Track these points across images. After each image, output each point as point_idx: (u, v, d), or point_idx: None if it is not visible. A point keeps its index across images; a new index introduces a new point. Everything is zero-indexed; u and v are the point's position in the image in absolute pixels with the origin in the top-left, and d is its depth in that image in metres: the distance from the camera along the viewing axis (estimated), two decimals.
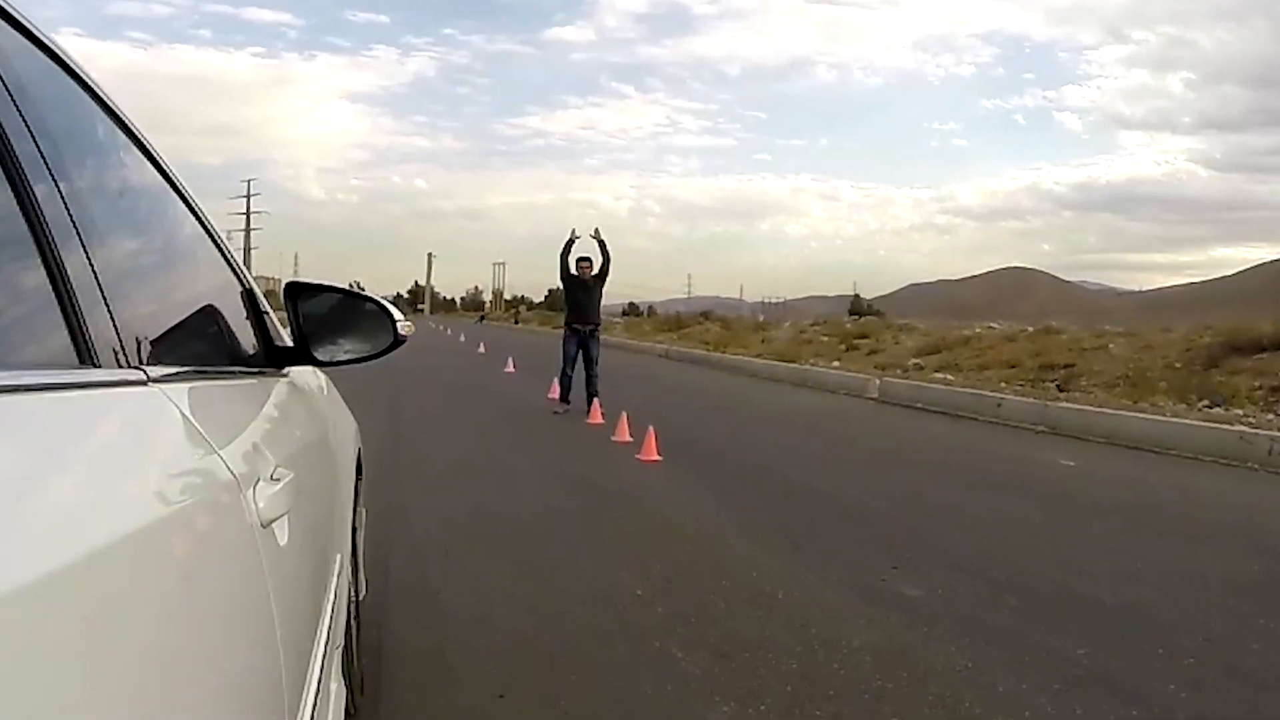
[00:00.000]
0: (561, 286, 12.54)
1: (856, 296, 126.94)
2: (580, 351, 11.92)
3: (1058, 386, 14.55)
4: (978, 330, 23.20)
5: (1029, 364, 16.68)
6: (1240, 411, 11.49)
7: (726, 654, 3.51)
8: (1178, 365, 14.19)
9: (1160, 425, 10.61)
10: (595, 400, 11.42)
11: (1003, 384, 15.23)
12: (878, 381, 16.65)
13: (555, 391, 12.35)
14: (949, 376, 16.91)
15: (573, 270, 12.08)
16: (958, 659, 3.52)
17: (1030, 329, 21.31)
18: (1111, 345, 16.74)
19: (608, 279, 12.32)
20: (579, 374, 11.88)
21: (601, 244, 12.25)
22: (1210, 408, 11.94)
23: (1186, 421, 10.76)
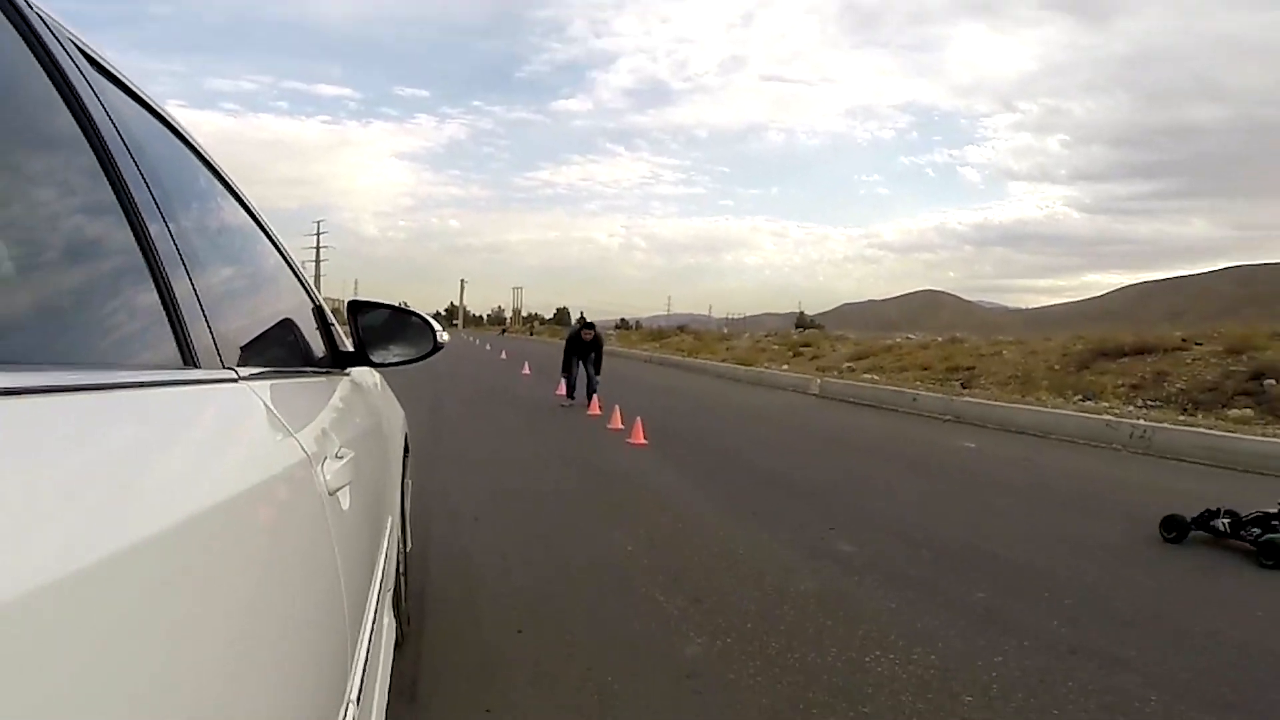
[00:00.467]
0: (566, 349, 12.40)
1: (801, 313, 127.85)
2: (581, 362, 11.99)
3: (961, 384, 14.80)
4: (898, 340, 23.51)
5: (938, 367, 17.02)
6: (1107, 404, 11.69)
7: (699, 598, 3.51)
8: (1056, 368, 14.44)
9: (1043, 415, 10.74)
10: (595, 396, 11.45)
11: (918, 383, 15.47)
12: (818, 381, 16.83)
13: (563, 389, 12.38)
14: (875, 377, 17.07)
15: (574, 330, 12.29)
16: (884, 602, 3.54)
17: (939, 339, 21.77)
18: (1004, 352, 17.04)
19: (602, 345, 12.37)
20: (581, 377, 11.95)
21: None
22: (1083, 401, 12.15)
23: (1064, 412, 10.93)
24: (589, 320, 12.37)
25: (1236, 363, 11.80)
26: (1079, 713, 2.54)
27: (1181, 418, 10.27)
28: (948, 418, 11.86)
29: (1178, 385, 11.94)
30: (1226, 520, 4.86)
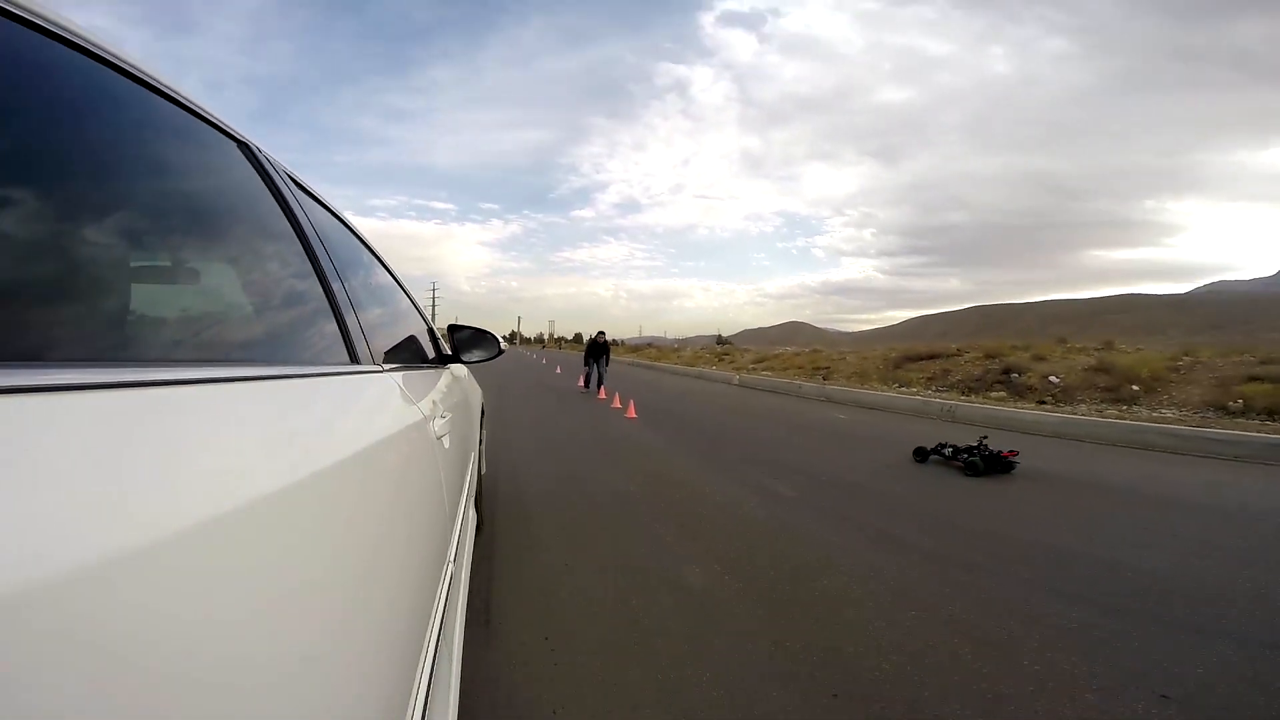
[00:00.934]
0: (586, 348, 11.83)
1: (719, 335, 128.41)
2: (595, 363, 11.47)
3: (823, 378, 14.62)
4: (780, 351, 23.67)
5: (807, 367, 16.79)
6: (916, 390, 11.67)
7: (684, 525, 3.20)
8: (881, 367, 14.23)
9: (886, 397, 10.50)
10: (602, 386, 11.11)
11: (798, 378, 15.18)
12: (738, 376, 16.16)
13: (582, 382, 12.12)
14: (769, 373, 17.18)
15: (593, 337, 11.66)
16: (806, 523, 3.23)
17: (805, 350, 21.86)
18: (848, 358, 16.97)
19: (609, 351, 11.69)
20: (594, 377, 11.73)
21: (607, 349, 11.68)
22: (900, 388, 12.04)
23: (892, 394, 10.80)
24: (602, 330, 11.69)
25: (992, 364, 11.65)
26: (917, 578, 2.47)
27: (962, 398, 10.18)
28: (822, 399, 11.35)
29: (956, 378, 11.67)
30: (949, 449, 5.06)
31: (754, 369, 18.84)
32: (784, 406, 10.07)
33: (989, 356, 12.22)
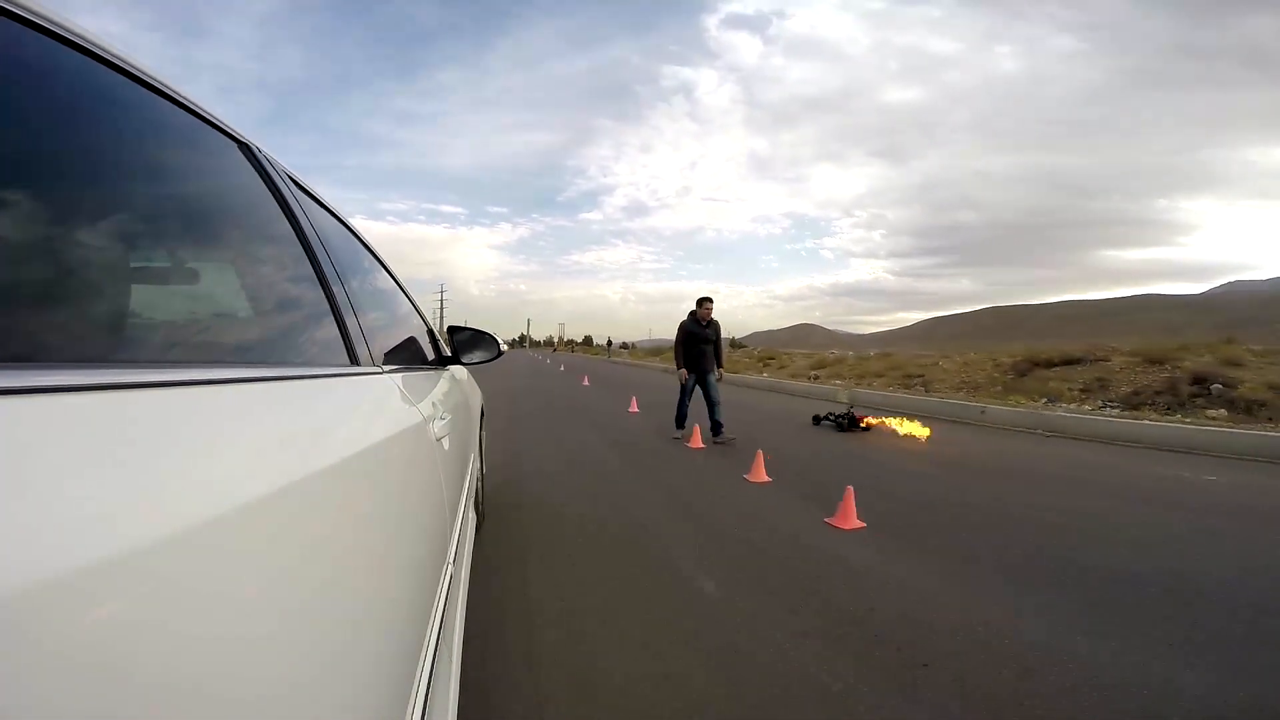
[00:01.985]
0: (679, 343, 5.69)
1: (732, 338, 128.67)
2: (697, 379, 5.71)
3: (923, 388, 10.93)
4: (840, 355, 18.46)
5: (890, 375, 12.51)
6: (1073, 405, 8.66)
7: (716, 537, 2.72)
8: (995, 374, 10.86)
9: (1170, 430, 6.39)
10: (721, 429, 5.55)
11: (888, 387, 11.39)
12: (846, 393, 10.46)
13: (635, 405, 8.43)
14: (840, 383, 12.62)
15: (694, 320, 5.65)
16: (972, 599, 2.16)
17: (874, 353, 17.09)
18: (941, 362, 12.71)
19: (720, 336, 5.76)
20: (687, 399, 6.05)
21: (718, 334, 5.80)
22: (1049, 402, 8.99)
23: (1059, 415, 7.39)
24: (707, 296, 5.73)
25: (1163, 372, 9.01)
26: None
27: (1165, 418, 7.37)
28: (1038, 431, 6.99)
29: (1124, 389, 8.82)
30: (833, 416, 7.12)
31: (819, 377, 14.15)
32: (1044, 453, 5.54)
33: (1152, 362, 9.48)
